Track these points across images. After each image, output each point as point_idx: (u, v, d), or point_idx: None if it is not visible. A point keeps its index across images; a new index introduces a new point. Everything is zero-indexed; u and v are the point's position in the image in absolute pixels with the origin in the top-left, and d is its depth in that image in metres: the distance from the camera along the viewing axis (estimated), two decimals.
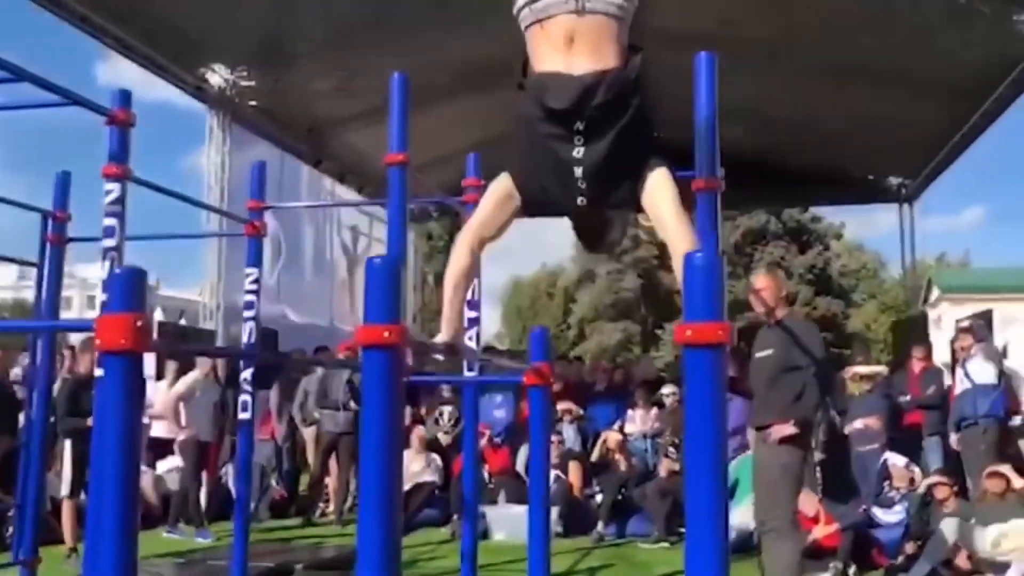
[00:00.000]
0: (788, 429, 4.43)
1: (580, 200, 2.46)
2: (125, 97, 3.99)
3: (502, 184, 2.54)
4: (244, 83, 12.31)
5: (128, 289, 2.01)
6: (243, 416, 4.90)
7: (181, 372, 8.60)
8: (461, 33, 11.84)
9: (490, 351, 9.95)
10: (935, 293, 28.82)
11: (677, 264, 2.35)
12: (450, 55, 11.68)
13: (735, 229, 28.71)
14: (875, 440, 7.76)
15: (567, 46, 2.39)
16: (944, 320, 23.01)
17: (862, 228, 55.10)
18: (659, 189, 2.41)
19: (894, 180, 17.65)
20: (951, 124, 14.07)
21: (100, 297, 3.68)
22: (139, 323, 1.99)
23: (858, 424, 7.96)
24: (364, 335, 1.93)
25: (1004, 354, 8.72)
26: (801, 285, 29.95)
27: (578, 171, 2.42)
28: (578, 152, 2.40)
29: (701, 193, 3.46)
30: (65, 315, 15.05)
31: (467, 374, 4.40)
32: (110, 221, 3.85)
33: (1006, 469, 6.17)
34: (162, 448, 8.73)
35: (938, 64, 11.39)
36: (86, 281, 41.09)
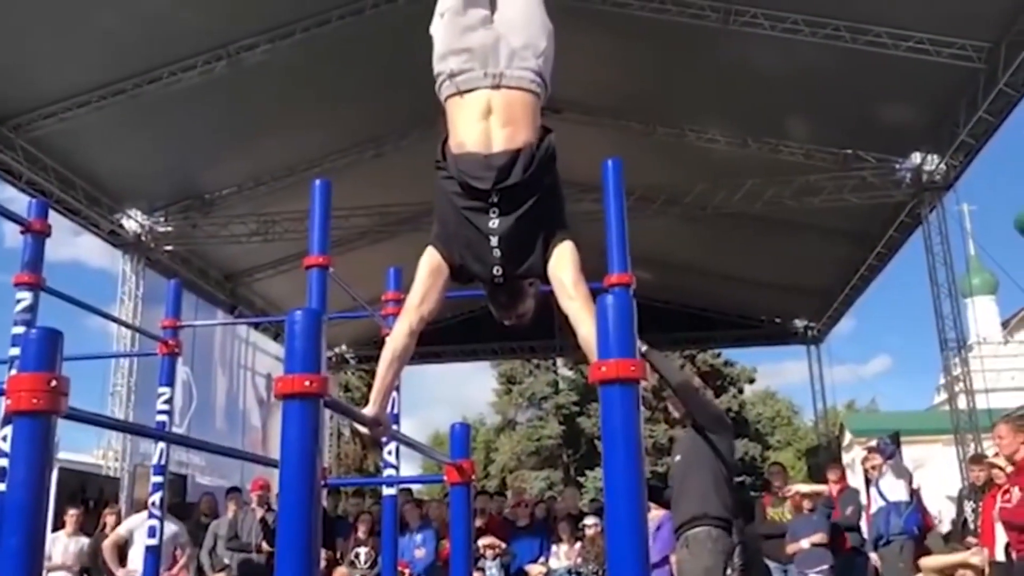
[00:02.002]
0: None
1: (496, 270, 2.58)
2: (42, 208, 4.01)
3: (429, 259, 2.64)
4: (161, 228, 12.33)
5: (42, 348, 1.98)
6: (150, 542, 4.66)
7: (83, 520, 8.16)
8: (382, 183, 12.22)
9: (411, 500, 9.72)
10: (847, 438, 29.33)
11: (580, 330, 2.44)
12: (371, 201, 11.98)
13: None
14: (823, 561, 7.50)
15: (484, 117, 2.57)
16: (857, 465, 23.27)
17: (773, 378, 56.72)
18: (563, 258, 2.54)
19: (800, 323, 18.42)
20: (848, 266, 14.91)
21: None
22: (53, 383, 1.95)
23: (804, 544, 7.62)
24: (284, 385, 1.91)
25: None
26: None
27: (493, 240, 2.55)
28: (493, 223, 2.54)
29: (614, 288, 3.58)
30: None
31: (387, 472, 4.30)
32: (19, 330, 3.77)
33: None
34: None
35: (830, 210, 12.14)
36: None
